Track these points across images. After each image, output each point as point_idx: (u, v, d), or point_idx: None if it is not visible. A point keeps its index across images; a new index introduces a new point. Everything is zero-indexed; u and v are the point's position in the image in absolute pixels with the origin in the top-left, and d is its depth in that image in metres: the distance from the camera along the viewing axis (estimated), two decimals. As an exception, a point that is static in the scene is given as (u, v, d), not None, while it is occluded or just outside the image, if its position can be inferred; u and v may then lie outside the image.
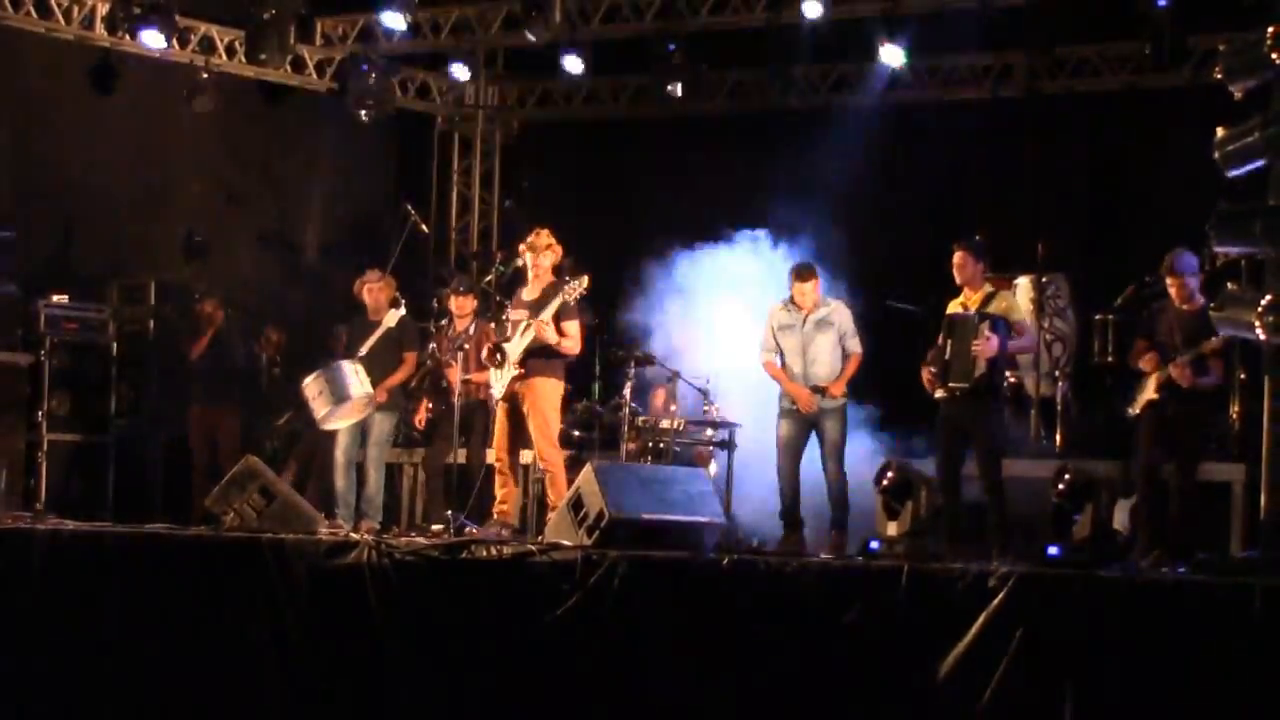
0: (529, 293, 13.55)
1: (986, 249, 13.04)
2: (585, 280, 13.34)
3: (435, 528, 13.81)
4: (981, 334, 12.59)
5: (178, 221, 18.43)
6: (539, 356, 13.31)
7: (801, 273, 13.77)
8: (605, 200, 18.97)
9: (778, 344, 13.81)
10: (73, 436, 16.85)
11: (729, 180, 18.14)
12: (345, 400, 14.41)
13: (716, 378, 15.22)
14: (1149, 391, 12.25)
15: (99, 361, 17.14)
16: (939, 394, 12.76)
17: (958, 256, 12.89)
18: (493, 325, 13.99)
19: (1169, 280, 12.36)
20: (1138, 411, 12.35)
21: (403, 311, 15.08)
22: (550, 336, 13.18)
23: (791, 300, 13.78)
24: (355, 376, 14.43)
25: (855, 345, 13.75)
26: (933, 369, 12.78)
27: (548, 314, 13.21)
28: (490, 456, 13.98)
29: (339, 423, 14.56)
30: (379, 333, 14.80)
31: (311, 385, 14.50)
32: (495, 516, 13.40)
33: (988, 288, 12.97)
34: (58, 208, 17.93)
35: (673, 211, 17.89)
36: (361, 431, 14.62)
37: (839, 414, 13.66)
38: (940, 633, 9.79)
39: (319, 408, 14.47)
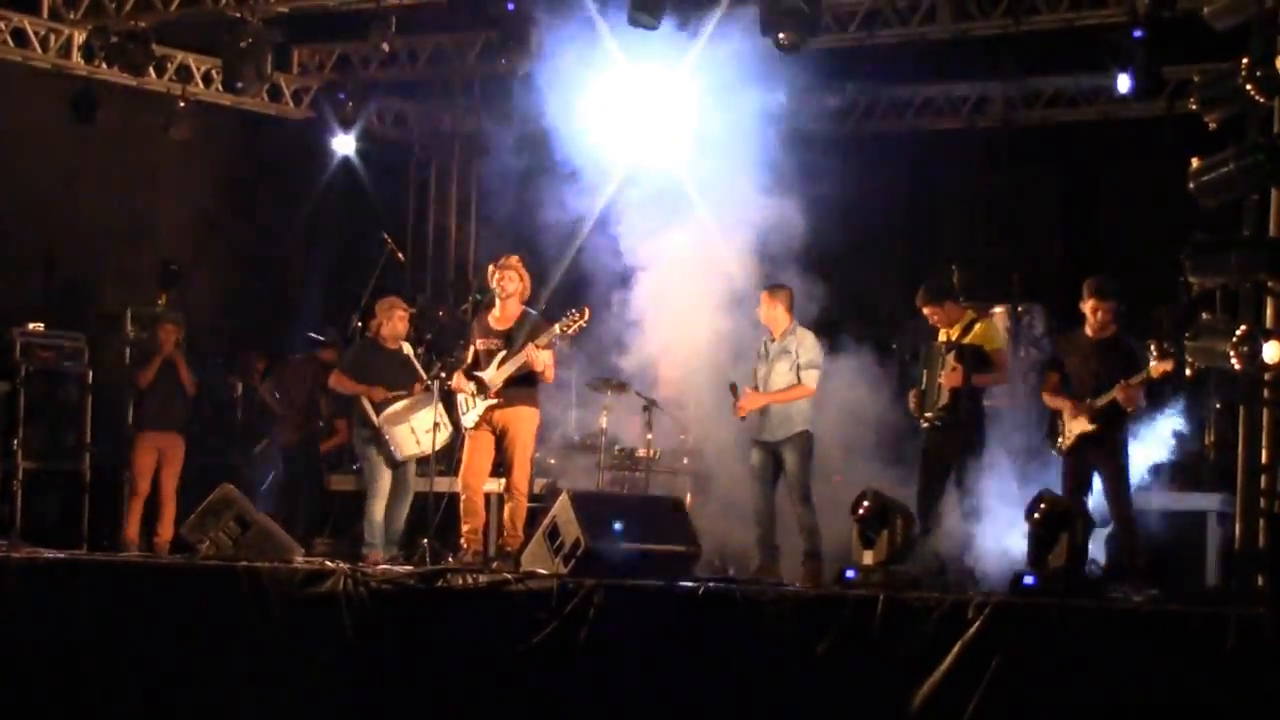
0: (499, 321, 13.53)
1: (943, 287, 12.97)
2: (586, 313, 13.34)
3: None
4: (947, 364, 12.55)
5: (156, 250, 18.40)
6: (521, 384, 13.32)
7: (765, 290, 13.63)
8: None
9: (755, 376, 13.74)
10: (48, 464, 16.77)
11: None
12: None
13: (692, 404, 15.15)
14: (1081, 424, 12.17)
15: (74, 390, 17.05)
16: (922, 424, 12.76)
17: (925, 310, 12.84)
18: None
19: (1092, 304, 12.23)
20: (1070, 444, 12.28)
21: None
22: (541, 362, 13.19)
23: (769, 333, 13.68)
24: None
25: (809, 378, 13.26)
26: (913, 399, 12.80)
27: (544, 339, 13.23)
28: (456, 485, 13.89)
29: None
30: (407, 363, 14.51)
31: (424, 417, 13.98)
32: (466, 545, 13.37)
33: (969, 315, 12.88)
34: (35, 237, 17.90)
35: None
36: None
37: (797, 445, 13.22)
38: (916, 662, 9.78)
39: (426, 443, 14.04)
